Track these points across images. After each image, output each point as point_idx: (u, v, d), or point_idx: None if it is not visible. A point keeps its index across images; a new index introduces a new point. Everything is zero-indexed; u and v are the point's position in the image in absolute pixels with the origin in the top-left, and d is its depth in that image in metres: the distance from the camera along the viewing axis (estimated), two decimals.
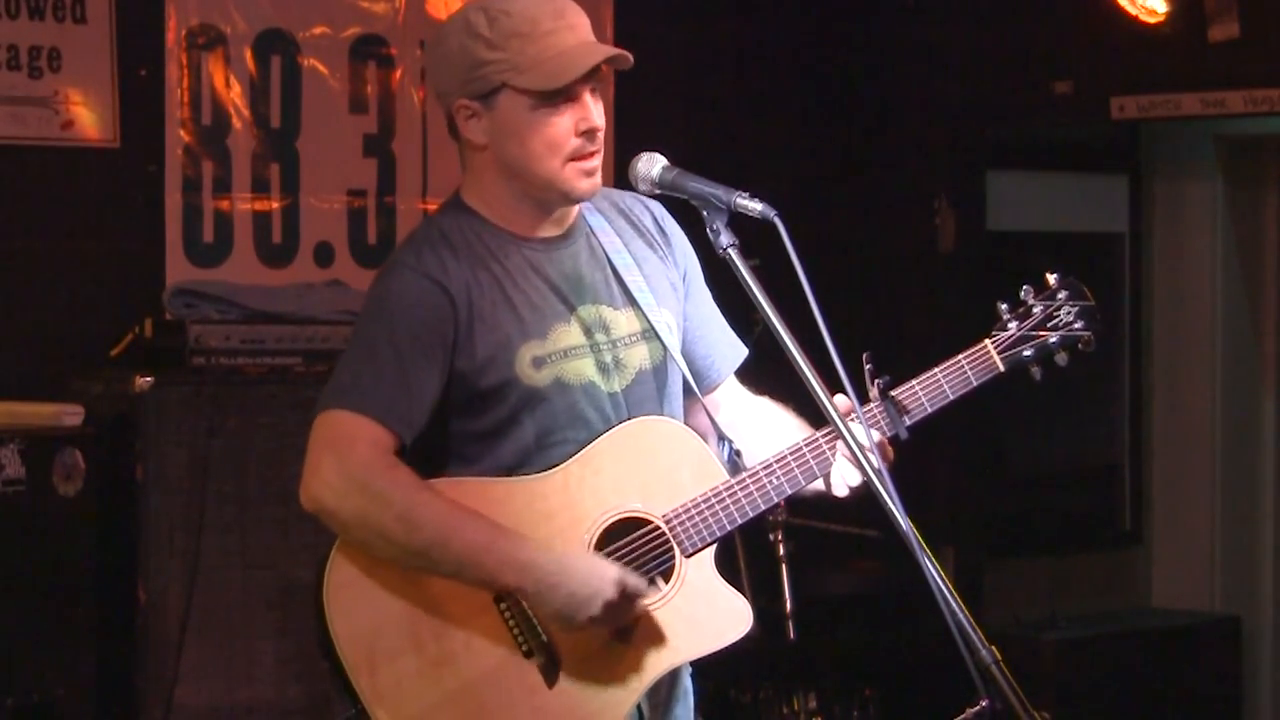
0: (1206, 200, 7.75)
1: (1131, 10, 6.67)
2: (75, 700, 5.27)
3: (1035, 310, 3.37)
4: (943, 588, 2.93)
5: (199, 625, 5.38)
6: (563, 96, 3.23)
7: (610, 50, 3.25)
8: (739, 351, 3.53)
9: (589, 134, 3.25)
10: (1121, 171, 7.83)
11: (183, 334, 5.58)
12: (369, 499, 3.15)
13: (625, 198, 3.44)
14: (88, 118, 5.92)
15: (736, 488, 3.28)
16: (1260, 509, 7.88)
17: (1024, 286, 3.38)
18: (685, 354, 3.44)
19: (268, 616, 5.44)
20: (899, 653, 6.46)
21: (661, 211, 3.46)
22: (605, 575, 3.18)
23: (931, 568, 2.94)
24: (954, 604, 2.91)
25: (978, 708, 2.89)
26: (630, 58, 3.26)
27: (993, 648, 2.91)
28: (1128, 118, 6.86)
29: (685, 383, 3.42)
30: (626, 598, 3.19)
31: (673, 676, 3.35)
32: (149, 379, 5.41)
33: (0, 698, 5.16)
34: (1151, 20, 6.66)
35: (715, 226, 3.18)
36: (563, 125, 3.24)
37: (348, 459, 3.16)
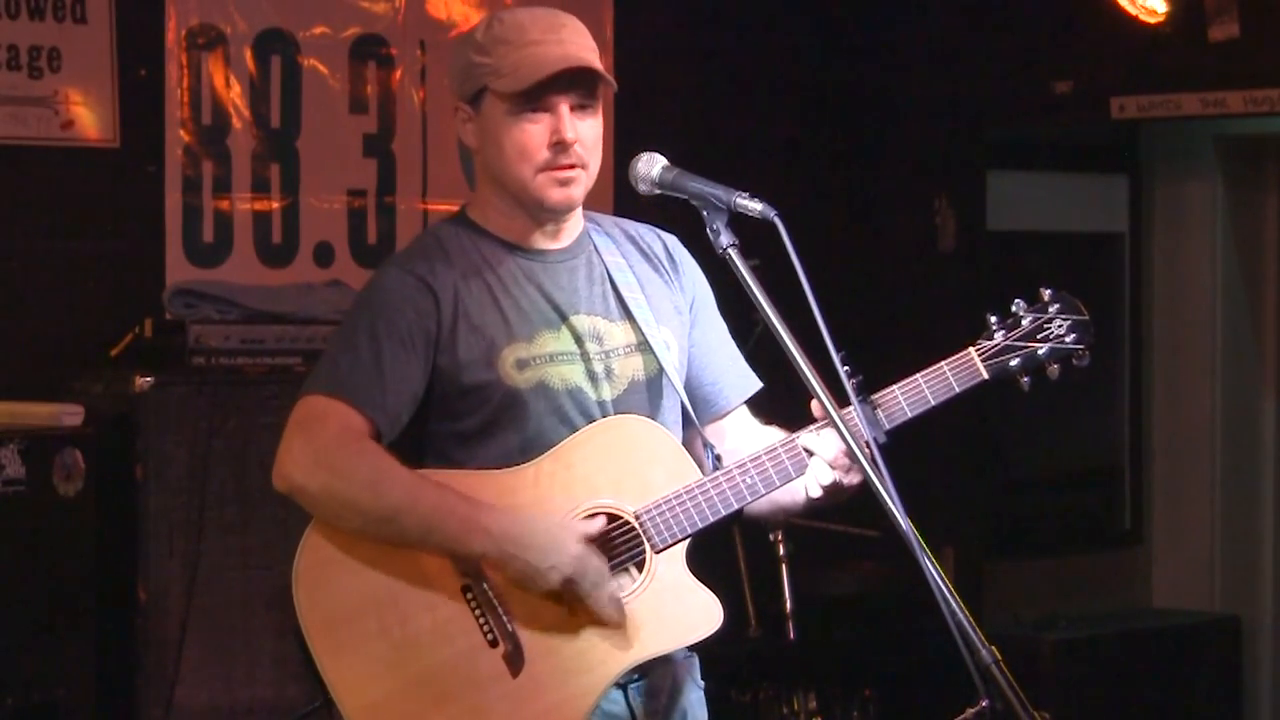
0: (1206, 200, 7.75)
1: (1131, 10, 6.67)
2: (75, 700, 5.27)
3: (1024, 321, 3.35)
4: (943, 588, 2.93)
5: (199, 625, 5.38)
6: (538, 105, 3.25)
7: (577, 60, 3.25)
8: (749, 383, 3.51)
9: (559, 145, 3.26)
10: (1121, 171, 7.83)
11: (183, 334, 5.59)
12: (335, 472, 3.18)
13: (639, 227, 3.46)
14: (88, 118, 5.92)
15: (710, 486, 3.28)
16: (1260, 509, 7.88)
17: (1015, 300, 3.37)
18: (692, 379, 3.44)
19: (268, 616, 5.44)
20: (899, 653, 6.46)
21: (674, 242, 3.47)
22: (566, 551, 3.18)
23: (931, 568, 2.94)
24: (954, 604, 2.91)
25: (978, 708, 2.89)
26: (611, 80, 3.28)
27: (993, 648, 2.91)
28: (1128, 118, 6.86)
29: (685, 410, 3.41)
30: (586, 577, 3.18)
31: (670, 695, 3.35)
32: (149, 379, 5.41)
33: (0, 698, 5.16)
34: (1151, 20, 6.66)
35: (715, 226, 3.19)
36: (535, 134, 3.26)
37: (316, 436, 3.19)
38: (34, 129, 5.83)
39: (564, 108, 3.26)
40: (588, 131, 3.28)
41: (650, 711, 3.32)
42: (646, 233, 3.46)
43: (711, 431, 3.46)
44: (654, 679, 3.33)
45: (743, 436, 3.47)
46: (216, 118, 6.14)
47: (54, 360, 5.73)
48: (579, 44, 3.29)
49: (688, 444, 3.40)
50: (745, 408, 3.51)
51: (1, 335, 5.77)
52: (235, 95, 6.16)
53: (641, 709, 3.31)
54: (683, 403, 3.40)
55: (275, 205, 6.25)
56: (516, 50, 3.25)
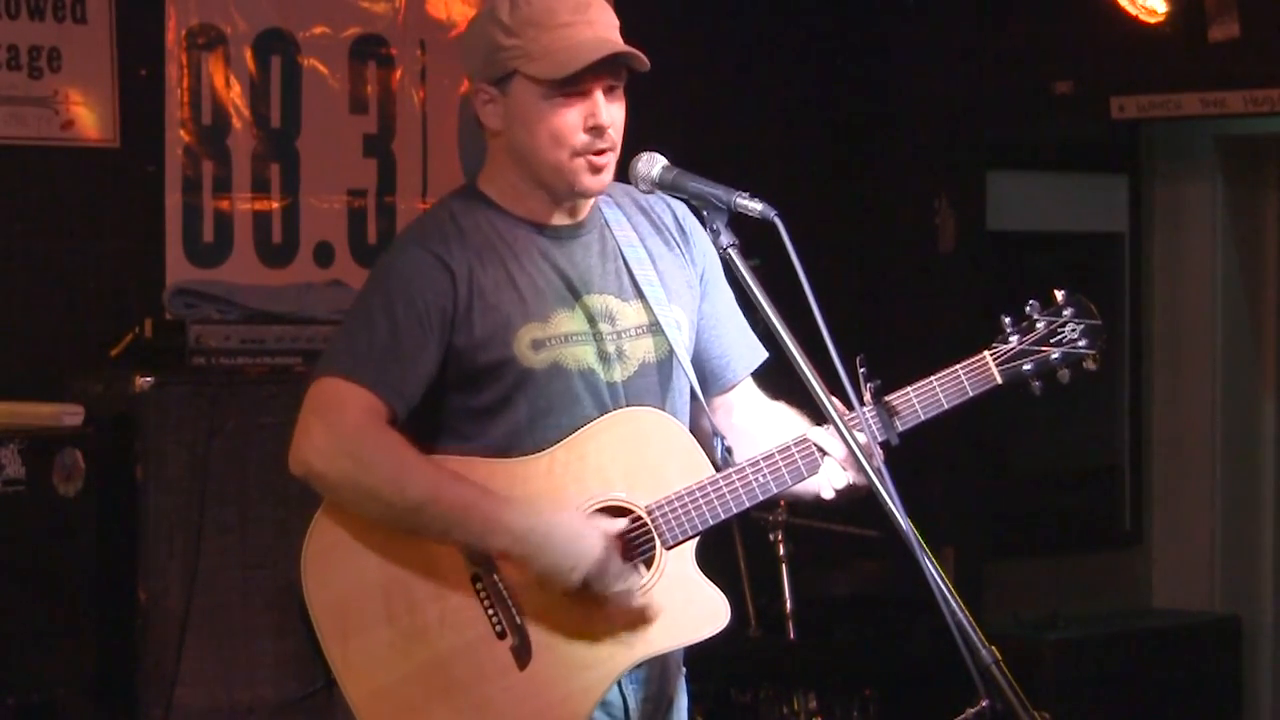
0: (1206, 200, 7.75)
1: (1131, 10, 6.67)
2: (75, 700, 5.27)
3: (1039, 325, 3.34)
4: (943, 588, 2.93)
5: (199, 625, 5.38)
6: (573, 89, 3.24)
7: (619, 46, 3.25)
8: (757, 354, 3.51)
9: (596, 130, 3.25)
10: (1121, 171, 7.83)
11: (183, 334, 5.59)
12: (357, 462, 3.17)
13: (648, 196, 3.43)
14: (88, 118, 5.92)
15: (722, 483, 3.28)
16: (1260, 509, 7.88)
17: (1030, 301, 3.36)
18: (700, 352, 3.44)
19: (268, 616, 5.44)
20: (899, 653, 6.46)
21: (684, 211, 3.45)
22: (590, 552, 3.18)
23: (931, 568, 2.94)
24: (954, 604, 2.91)
25: (978, 708, 2.89)
26: (645, 59, 3.26)
27: (993, 648, 2.91)
28: (1128, 118, 6.87)
29: (693, 387, 3.41)
30: (609, 572, 3.19)
31: (663, 675, 3.36)
32: (149, 379, 5.41)
33: (0, 698, 5.16)
34: (1151, 20, 6.66)
35: (715, 226, 3.20)
36: (570, 118, 3.25)
37: (337, 424, 3.19)
38: (34, 129, 5.83)
39: (599, 92, 3.25)
40: (618, 114, 3.29)
41: (641, 699, 3.34)
42: (656, 202, 3.44)
43: (719, 404, 3.46)
44: (644, 665, 3.33)
45: (750, 412, 3.49)
46: (216, 118, 6.14)
47: (54, 360, 5.73)
48: (607, 24, 3.28)
49: (695, 418, 3.41)
50: (751, 380, 3.52)
51: (1, 335, 5.77)
52: (235, 95, 6.16)
53: (633, 695, 3.32)
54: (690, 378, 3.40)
55: (275, 205, 6.25)
56: (547, 33, 3.23)
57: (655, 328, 3.35)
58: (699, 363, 3.43)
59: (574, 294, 3.31)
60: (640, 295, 3.35)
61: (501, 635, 3.22)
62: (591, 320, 3.31)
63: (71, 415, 5.40)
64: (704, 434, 3.39)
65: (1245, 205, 7.81)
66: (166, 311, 5.84)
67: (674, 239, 3.44)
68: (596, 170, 3.28)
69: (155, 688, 5.35)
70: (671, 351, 3.36)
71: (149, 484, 5.38)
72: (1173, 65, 6.69)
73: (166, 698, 5.34)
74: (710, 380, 3.45)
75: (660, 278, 3.38)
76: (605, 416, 3.29)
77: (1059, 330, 3.34)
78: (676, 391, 3.39)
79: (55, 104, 5.86)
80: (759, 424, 3.45)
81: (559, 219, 3.35)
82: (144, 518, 5.37)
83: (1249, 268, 7.84)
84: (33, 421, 5.36)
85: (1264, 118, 6.73)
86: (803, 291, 3.02)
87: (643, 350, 3.35)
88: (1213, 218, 7.75)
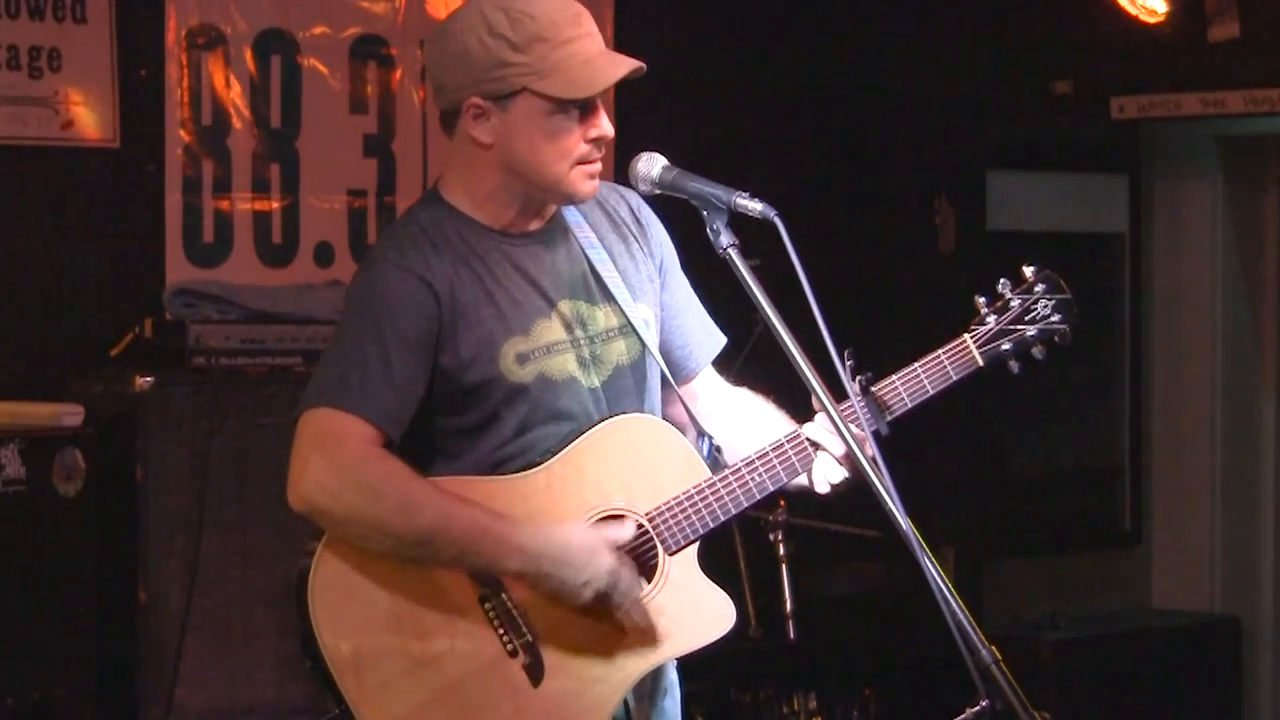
0: (1206, 200, 7.76)
1: (1131, 10, 6.68)
2: (75, 700, 5.27)
3: (1013, 304, 3.40)
4: (943, 588, 2.93)
5: (199, 625, 5.38)
6: (579, 105, 3.24)
7: (634, 63, 3.27)
8: (716, 340, 3.54)
9: (598, 142, 3.27)
10: (1121, 171, 7.83)
11: (183, 334, 5.58)
12: (364, 494, 3.16)
13: (603, 188, 3.43)
14: (88, 118, 5.92)
15: (719, 485, 3.30)
16: (1260, 509, 7.88)
17: (1001, 280, 3.40)
18: (663, 343, 3.45)
19: (268, 616, 5.44)
20: (899, 653, 6.46)
21: (637, 201, 3.46)
22: (600, 565, 3.19)
23: (931, 568, 2.95)
24: (954, 604, 2.92)
25: (978, 708, 2.89)
26: (645, 69, 3.28)
27: (993, 648, 2.91)
28: (1128, 118, 6.87)
29: (662, 375, 3.43)
30: (618, 589, 3.20)
31: (656, 671, 3.36)
32: (149, 379, 5.41)
33: (0, 698, 5.16)
34: (1151, 20, 6.66)
35: (715, 226, 3.20)
36: (575, 130, 3.25)
37: (338, 456, 3.17)
38: (34, 129, 5.83)
39: (600, 103, 3.27)
40: (609, 122, 3.30)
41: (638, 696, 3.35)
42: (610, 194, 3.45)
43: (684, 394, 3.47)
44: None
45: (716, 400, 3.51)
46: (216, 118, 6.14)
47: (54, 360, 5.73)
48: (599, 33, 3.30)
49: (665, 406, 3.43)
50: (711, 367, 3.54)
51: (1, 335, 5.77)
52: (235, 95, 6.16)
53: (632, 694, 3.33)
54: (661, 370, 3.42)
55: (275, 205, 6.25)
56: (556, 49, 3.22)
57: (626, 329, 3.36)
58: (662, 354, 3.44)
59: (548, 302, 3.32)
60: (609, 298, 3.36)
61: (513, 654, 3.22)
62: (568, 327, 3.32)
63: (71, 415, 5.40)
64: (678, 422, 3.41)
65: (1245, 205, 7.81)
66: (166, 311, 5.83)
67: (631, 232, 3.44)
68: (593, 177, 3.29)
69: (155, 688, 5.35)
70: (643, 352, 3.38)
71: (149, 484, 5.38)
72: (1172, 65, 6.69)
73: (166, 698, 5.34)
74: (674, 370, 3.46)
75: (623, 276, 3.38)
76: (598, 427, 3.29)
77: (1032, 307, 3.40)
78: (651, 390, 3.41)
79: (55, 104, 5.86)
80: (726, 411, 3.48)
81: (528, 226, 3.35)
82: (144, 518, 5.37)
83: (1249, 268, 7.84)
84: (33, 421, 5.36)
85: (1264, 118, 6.73)
86: (803, 291, 3.03)
87: (616, 353, 3.36)
88: (1213, 217, 7.75)
